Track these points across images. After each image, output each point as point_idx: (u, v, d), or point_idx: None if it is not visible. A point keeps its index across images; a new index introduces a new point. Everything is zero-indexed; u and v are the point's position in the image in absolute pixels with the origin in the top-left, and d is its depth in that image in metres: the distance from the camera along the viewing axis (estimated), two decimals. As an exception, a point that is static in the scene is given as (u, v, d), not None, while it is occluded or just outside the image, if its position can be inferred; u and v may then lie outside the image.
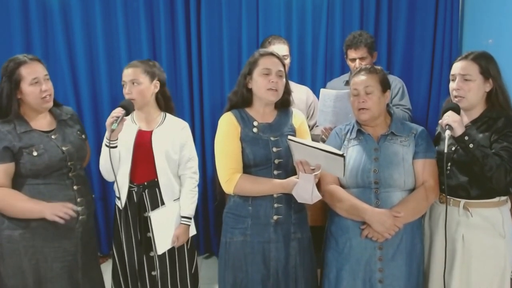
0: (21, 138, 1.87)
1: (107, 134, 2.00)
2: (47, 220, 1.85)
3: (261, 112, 1.96)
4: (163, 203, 2.16)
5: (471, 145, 1.73)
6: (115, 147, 2.02)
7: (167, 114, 2.25)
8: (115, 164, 2.04)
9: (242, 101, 1.96)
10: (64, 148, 1.94)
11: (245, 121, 1.93)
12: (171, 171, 2.17)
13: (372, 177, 1.89)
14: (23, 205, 1.85)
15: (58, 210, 1.84)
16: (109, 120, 1.96)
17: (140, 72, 2.13)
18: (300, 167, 1.73)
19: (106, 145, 2.02)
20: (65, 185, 1.95)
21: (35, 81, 1.87)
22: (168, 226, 2.16)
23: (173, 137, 2.18)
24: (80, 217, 1.97)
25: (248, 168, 1.90)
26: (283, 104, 1.99)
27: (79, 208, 1.94)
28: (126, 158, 2.11)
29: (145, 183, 2.15)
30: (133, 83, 2.11)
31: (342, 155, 1.64)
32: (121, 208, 2.17)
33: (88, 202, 2.04)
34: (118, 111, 1.98)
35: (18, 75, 1.86)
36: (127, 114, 2.00)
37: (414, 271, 1.92)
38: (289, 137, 1.75)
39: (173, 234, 2.16)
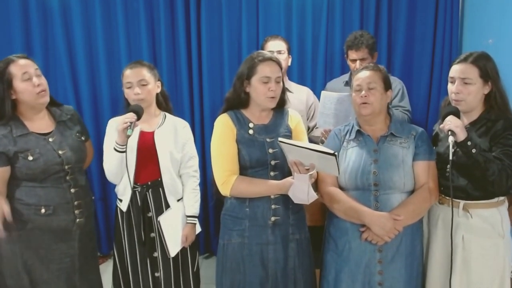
0: (17, 142, 1.85)
1: (117, 139, 1.97)
2: (43, 223, 1.87)
3: (257, 114, 1.95)
4: (166, 203, 2.16)
5: (473, 150, 1.72)
6: (125, 151, 1.97)
7: (167, 114, 2.25)
8: (123, 168, 2.00)
9: (239, 103, 1.94)
10: (60, 152, 1.92)
11: (241, 123, 1.92)
12: (174, 170, 2.17)
13: (371, 179, 1.86)
14: None
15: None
16: (122, 125, 1.92)
17: (146, 72, 2.12)
18: (295, 168, 1.72)
19: (116, 150, 1.98)
20: (62, 188, 1.93)
21: (26, 77, 1.85)
22: (176, 227, 2.16)
23: (175, 137, 2.18)
24: (78, 220, 1.97)
25: (244, 170, 1.89)
26: (279, 104, 1.97)
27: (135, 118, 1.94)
28: (130, 160, 2.08)
29: (149, 183, 2.15)
30: (142, 84, 2.10)
31: (333, 154, 1.61)
32: (124, 210, 2.16)
33: (86, 204, 2.03)
34: (131, 116, 1.95)
35: (9, 74, 1.84)
36: (138, 119, 1.98)
37: (414, 273, 1.91)
38: (280, 139, 1.74)
39: (181, 235, 2.16)
